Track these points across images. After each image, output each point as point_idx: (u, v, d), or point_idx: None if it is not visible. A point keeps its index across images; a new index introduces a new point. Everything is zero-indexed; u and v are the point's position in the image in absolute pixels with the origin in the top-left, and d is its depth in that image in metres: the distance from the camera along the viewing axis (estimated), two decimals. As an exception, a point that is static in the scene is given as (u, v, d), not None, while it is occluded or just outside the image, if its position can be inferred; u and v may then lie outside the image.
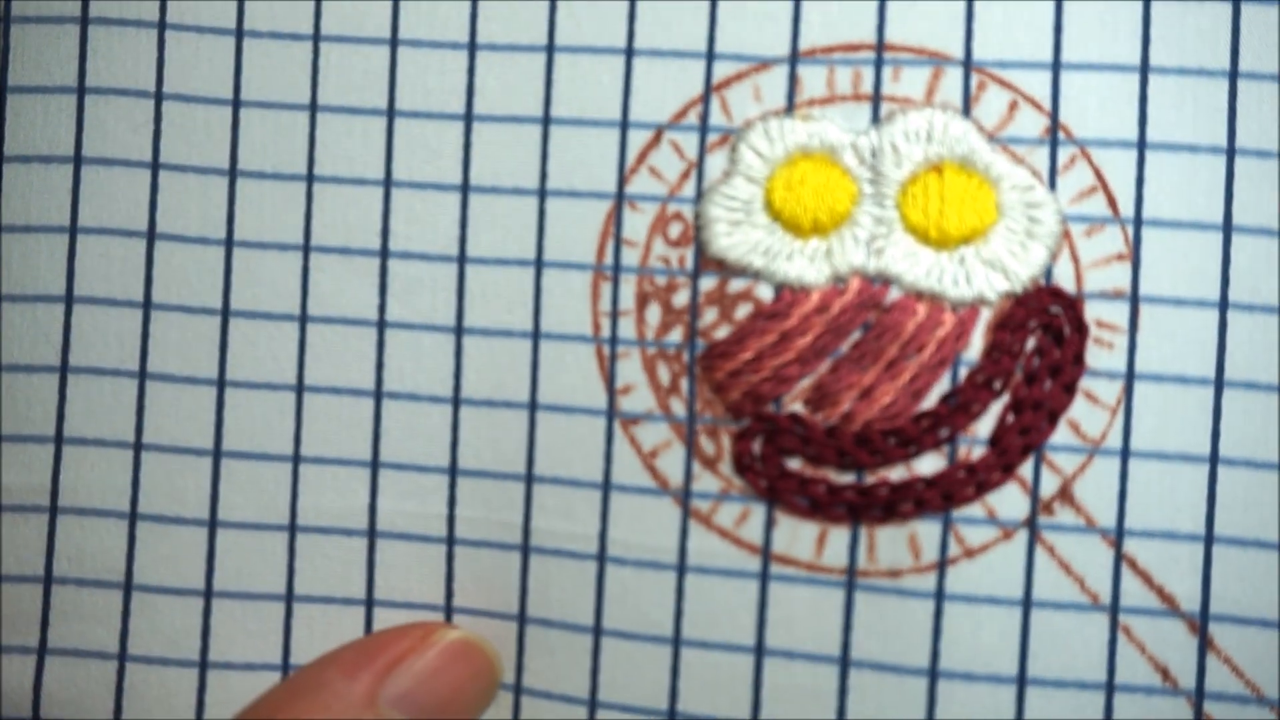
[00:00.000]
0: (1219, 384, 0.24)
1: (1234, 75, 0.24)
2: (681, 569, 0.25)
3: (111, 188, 0.27)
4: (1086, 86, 0.25)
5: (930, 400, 0.25)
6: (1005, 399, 0.24)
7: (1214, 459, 0.24)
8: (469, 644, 0.26)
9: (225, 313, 0.27)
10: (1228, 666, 0.24)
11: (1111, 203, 0.25)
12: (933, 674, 0.25)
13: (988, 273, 0.24)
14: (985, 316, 0.25)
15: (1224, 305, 0.24)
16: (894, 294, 0.25)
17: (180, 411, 0.27)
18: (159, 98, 0.27)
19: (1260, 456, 0.24)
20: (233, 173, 0.27)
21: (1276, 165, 0.24)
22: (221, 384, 0.27)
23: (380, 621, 0.27)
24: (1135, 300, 0.24)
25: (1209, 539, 0.24)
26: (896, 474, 0.25)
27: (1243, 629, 0.24)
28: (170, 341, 0.27)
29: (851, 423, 0.25)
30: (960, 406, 0.24)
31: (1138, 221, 0.24)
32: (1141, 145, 0.25)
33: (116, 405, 0.27)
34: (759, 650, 0.25)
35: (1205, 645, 0.24)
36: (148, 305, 0.27)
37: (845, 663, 0.25)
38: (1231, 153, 0.24)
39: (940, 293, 0.25)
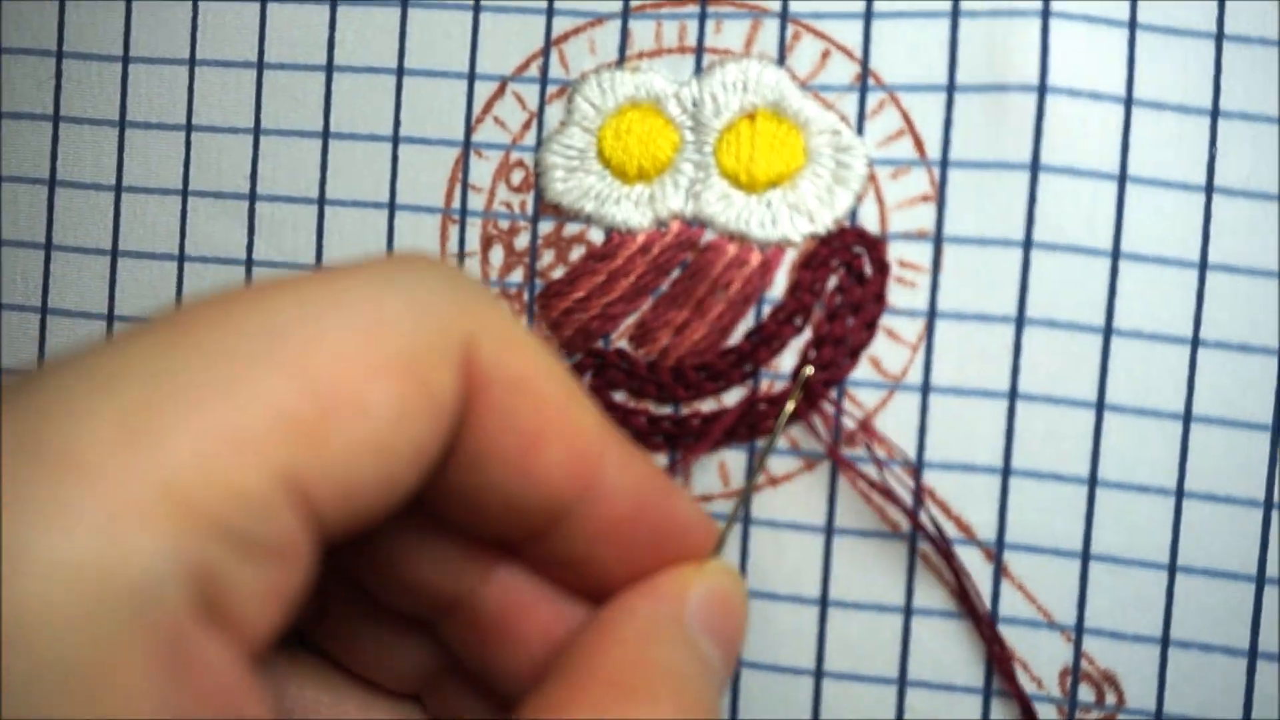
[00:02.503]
0: (1020, 321, 0.25)
1: (1046, 14, 0.25)
2: (516, 493, 0.27)
3: (19, 139, 0.30)
4: (897, 34, 0.26)
5: (737, 336, 0.26)
6: (808, 335, 0.26)
7: (1013, 394, 0.25)
8: None
9: (115, 252, 0.29)
10: (1021, 593, 0.25)
11: (918, 145, 0.26)
12: (743, 594, 0.26)
13: (793, 215, 0.26)
14: (791, 256, 0.26)
15: (1028, 244, 0.25)
16: (709, 235, 0.26)
17: (76, 343, 0.29)
18: (59, 56, 0.29)
19: (1059, 393, 0.25)
20: (122, 124, 0.29)
21: (1086, 104, 0.25)
22: (110, 318, 0.29)
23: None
24: (939, 240, 0.25)
25: (1006, 471, 0.25)
26: (708, 405, 0.26)
27: (1036, 557, 0.25)
28: (68, 280, 0.29)
29: (667, 358, 0.26)
30: (763, 342, 0.26)
31: (944, 164, 0.25)
32: (950, 89, 0.25)
33: (23, 338, 0.30)
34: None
35: (1000, 572, 0.25)
36: (49, 246, 0.29)
37: (665, 582, 0.26)
38: (1043, 91, 0.25)
39: (748, 234, 0.26)
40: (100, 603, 0.13)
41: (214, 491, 0.14)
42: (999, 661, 0.25)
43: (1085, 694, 0.25)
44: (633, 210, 0.27)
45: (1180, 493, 0.25)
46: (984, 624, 0.25)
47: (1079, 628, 0.25)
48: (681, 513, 0.19)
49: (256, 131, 0.28)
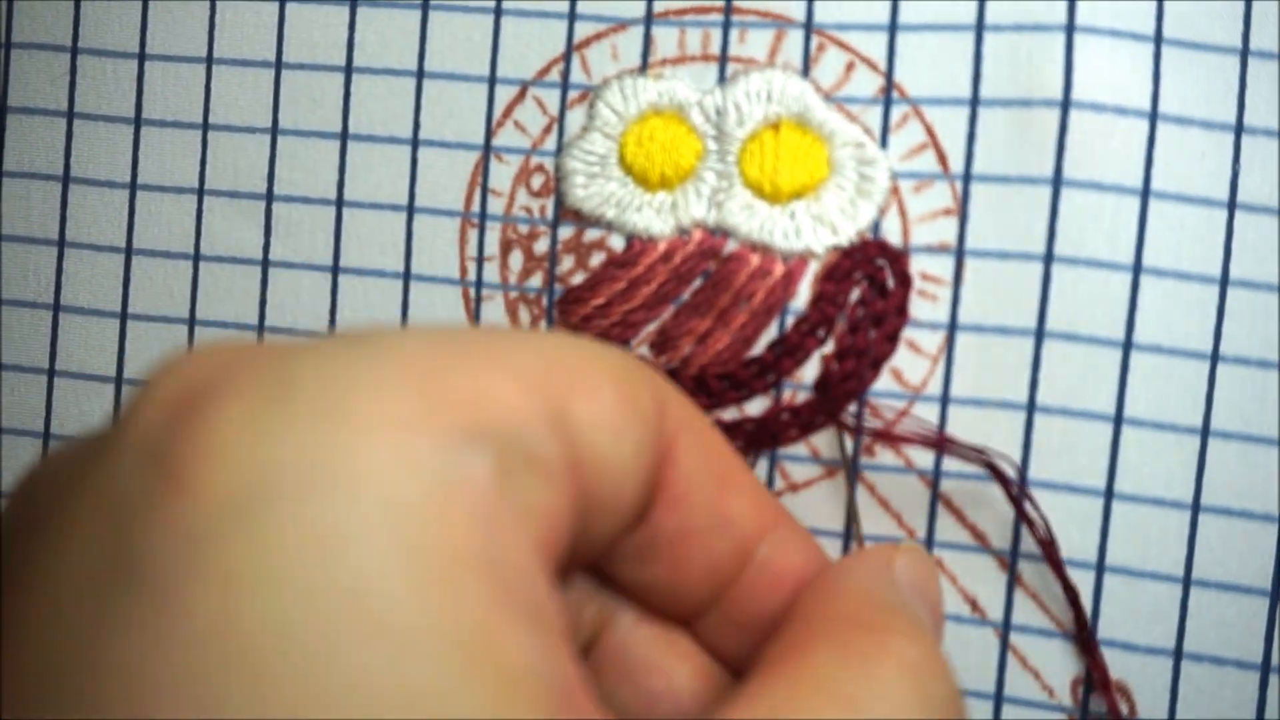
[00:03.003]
0: (1040, 334, 0.25)
1: (1071, 28, 0.25)
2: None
3: (32, 135, 0.29)
4: (921, 47, 0.26)
5: (761, 346, 0.26)
6: (831, 347, 0.26)
7: (1031, 406, 0.25)
8: None
9: (129, 251, 0.29)
10: (1034, 602, 0.26)
11: (941, 159, 0.26)
12: (760, 601, 0.26)
13: (816, 227, 0.26)
14: (814, 268, 0.26)
15: (1049, 258, 0.25)
16: (732, 245, 0.26)
17: (89, 341, 0.29)
18: (74, 51, 0.29)
19: (1077, 406, 0.25)
20: (137, 121, 0.29)
21: (1111, 118, 0.25)
22: (124, 317, 0.29)
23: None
24: (960, 254, 0.26)
25: (1022, 482, 0.25)
26: (730, 414, 0.26)
27: (1047, 566, 0.25)
28: (81, 277, 0.29)
29: (689, 367, 0.26)
30: (786, 353, 0.26)
31: (967, 177, 0.26)
32: (974, 102, 0.26)
33: (34, 336, 0.29)
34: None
35: (1014, 581, 0.26)
36: (62, 243, 0.29)
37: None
38: (1066, 105, 0.25)
39: (771, 245, 0.26)
40: (422, 460, 0.15)
41: (499, 408, 0.16)
42: (1043, 545, 0.25)
43: (1097, 704, 0.25)
44: (654, 217, 0.27)
45: (1196, 507, 0.25)
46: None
47: (1092, 638, 0.25)
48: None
49: (274, 132, 0.28)
